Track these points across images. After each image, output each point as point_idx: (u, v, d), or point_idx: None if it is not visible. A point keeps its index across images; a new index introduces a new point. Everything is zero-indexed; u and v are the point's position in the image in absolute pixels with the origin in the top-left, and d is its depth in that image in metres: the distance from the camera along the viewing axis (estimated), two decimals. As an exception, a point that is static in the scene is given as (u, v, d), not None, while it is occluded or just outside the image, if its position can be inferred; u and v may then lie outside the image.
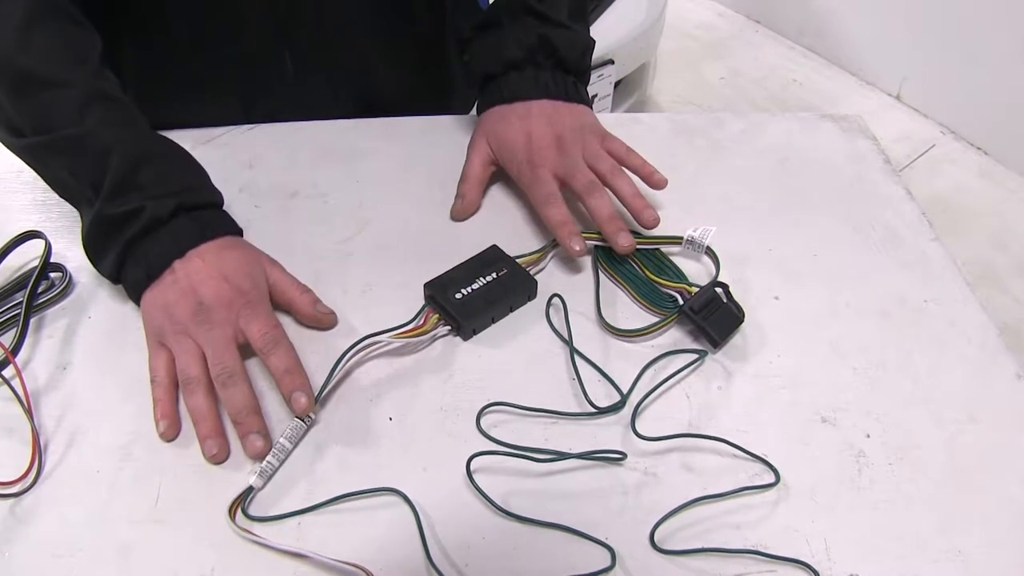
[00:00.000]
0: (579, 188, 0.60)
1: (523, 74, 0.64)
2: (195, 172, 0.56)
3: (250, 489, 0.45)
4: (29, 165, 0.55)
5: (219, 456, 0.47)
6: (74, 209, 0.55)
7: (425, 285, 0.55)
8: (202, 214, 0.54)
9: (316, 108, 0.72)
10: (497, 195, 0.66)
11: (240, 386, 0.48)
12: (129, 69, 0.65)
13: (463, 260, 0.57)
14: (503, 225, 0.63)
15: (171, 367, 0.50)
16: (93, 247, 0.53)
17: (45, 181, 0.55)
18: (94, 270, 0.54)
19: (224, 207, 0.57)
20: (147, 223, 0.51)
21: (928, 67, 2.06)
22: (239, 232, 0.56)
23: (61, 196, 0.56)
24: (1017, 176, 1.94)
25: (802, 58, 2.34)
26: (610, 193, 0.60)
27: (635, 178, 0.61)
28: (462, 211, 0.63)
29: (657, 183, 0.62)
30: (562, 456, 0.47)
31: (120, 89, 0.55)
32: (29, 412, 0.47)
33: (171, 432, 0.48)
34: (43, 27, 0.53)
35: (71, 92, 0.52)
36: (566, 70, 0.65)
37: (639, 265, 0.59)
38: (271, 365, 0.49)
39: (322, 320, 0.54)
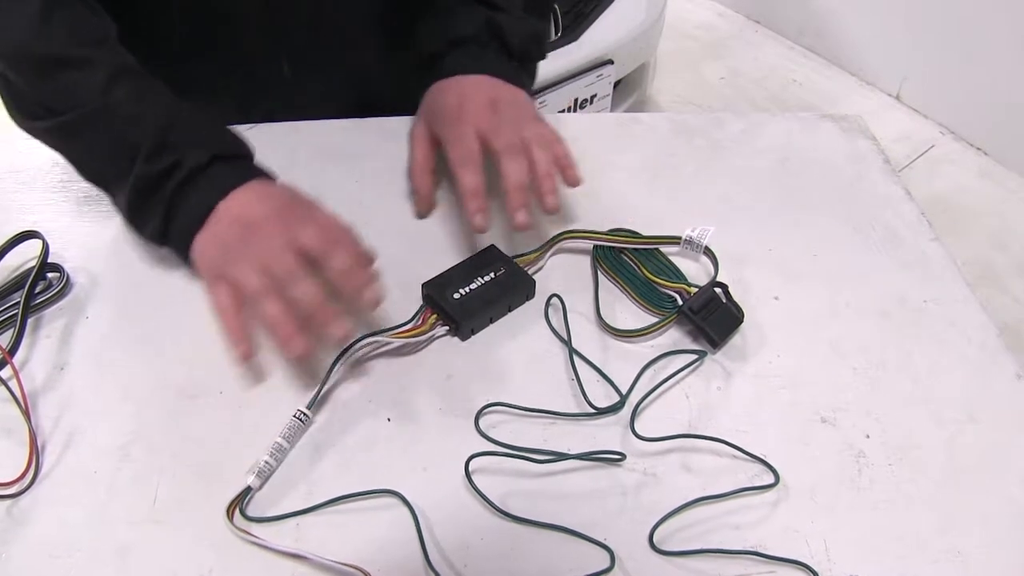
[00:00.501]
0: (500, 146, 0.57)
1: (466, 51, 0.64)
2: (225, 129, 0.56)
3: (248, 489, 0.45)
4: (54, 147, 0.55)
5: (308, 351, 0.46)
6: (74, 207, 0.55)
7: (423, 285, 0.55)
8: (238, 162, 0.55)
9: (313, 109, 0.72)
10: (493, 194, 0.66)
11: (305, 282, 0.47)
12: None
13: (461, 260, 0.57)
14: (501, 225, 0.62)
15: (233, 293, 0.49)
16: (137, 210, 0.53)
17: (70, 161, 0.55)
18: (93, 270, 0.54)
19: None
20: (187, 173, 0.52)
21: (928, 67, 2.06)
22: (274, 178, 0.56)
23: (87, 176, 0.55)
24: (1017, 176, 1.93)
25: (802, 58, 2.34)
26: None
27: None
28: (421, 205, 0.62)
29: (570, 179, 0.59)
30: (561, 457, 0.47)
31: (139, 65, 0.55)
32: (26, 413, 0.47)
33: (249, 352, 0.48)
34: (60, 13, 0.53)
35: (95, 69, 0.52)
36: (510, 54, 0.65)
37: (638, 265, 0.59)
38: (331, 267, 0.48)
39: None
